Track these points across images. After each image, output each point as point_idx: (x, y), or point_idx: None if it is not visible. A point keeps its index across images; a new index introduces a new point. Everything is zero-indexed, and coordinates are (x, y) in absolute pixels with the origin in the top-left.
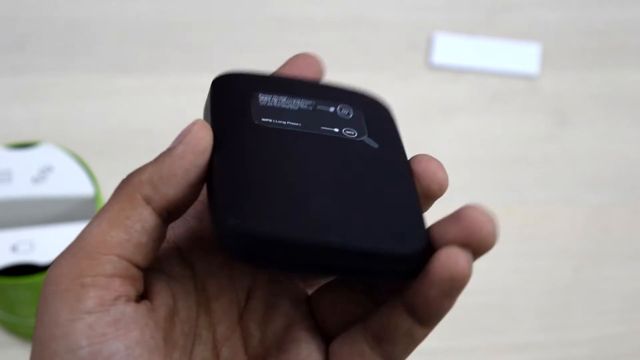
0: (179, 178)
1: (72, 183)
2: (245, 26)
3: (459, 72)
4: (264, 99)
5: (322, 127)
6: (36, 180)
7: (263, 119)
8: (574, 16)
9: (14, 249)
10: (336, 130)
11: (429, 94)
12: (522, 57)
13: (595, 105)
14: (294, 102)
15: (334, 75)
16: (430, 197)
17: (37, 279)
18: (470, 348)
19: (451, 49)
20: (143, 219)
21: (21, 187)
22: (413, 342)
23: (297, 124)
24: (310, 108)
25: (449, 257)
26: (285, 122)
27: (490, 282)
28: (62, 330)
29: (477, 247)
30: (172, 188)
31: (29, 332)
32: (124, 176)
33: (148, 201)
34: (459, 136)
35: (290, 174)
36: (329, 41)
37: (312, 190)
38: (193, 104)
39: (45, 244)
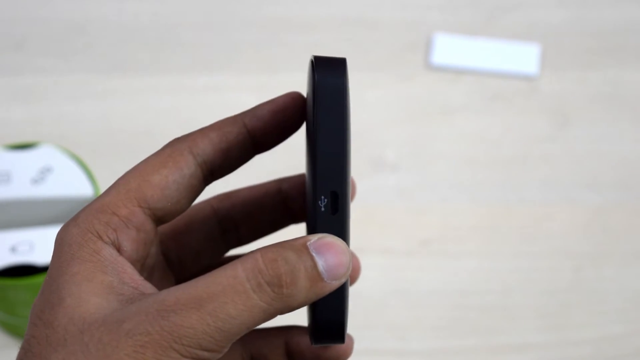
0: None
1: (72, 184)
2: (245, 26)
3: (459, 72)
4: None
5: None
6: (35, 181)
7: None
8: (573, 16)
9: (14, 249)
10: None
11: (429, 94)
12: (522, 57)
13: (595, 106)
14: None
15: None
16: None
17: (37, 279)
18: (470, 348)
19: (451, 49)
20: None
21: (20, 188)
22: None
23: None
24: None
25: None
26: None
27: (490, 282)
28: None
29: None
30: None
31: None
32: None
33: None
34: (459, 137)
35: None
36: (328, 41)
37: None
38: (192, 105)
39: (44, 245)
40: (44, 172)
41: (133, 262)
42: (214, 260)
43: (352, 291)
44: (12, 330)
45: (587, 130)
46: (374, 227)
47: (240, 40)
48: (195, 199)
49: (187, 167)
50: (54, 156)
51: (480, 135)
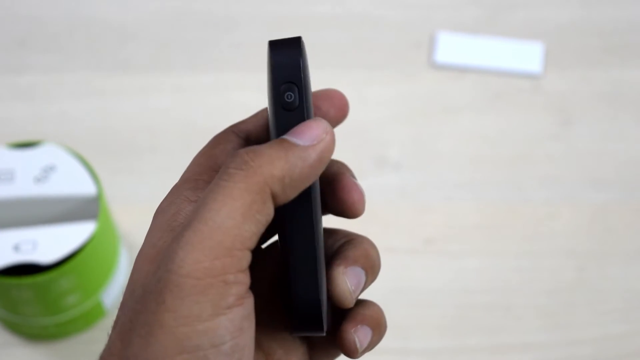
0: (305, 184)
1: (75, 182)
2: (248, 25)
3: (462, 71)
4: None
5: None
6: (39, 179)
7: None
8: (577, 15)
9: (17, 248)
10: None
11: (432, 93)
12: (526, 56)
13: (599, 104)
14: None
15: (336, 74)
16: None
17: (40, 278)
18: (472, 348)
19: (454, 47)
20: (268, 215)
21: (24, 187)
22: None
23: None
24: None
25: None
26: None
27: (493, 281)
28: (205, 326)
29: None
30: (296, 191)
31: (31, 332)
32: (126, 176)
33: (274, 198)
34: (462, 135)
35: None
36: (331, 40)
37: None
38: (195, 103)
39: (47, 244)
40: (47, 171)
41: None
42: None
43: None
44: (15, 329)
45: (591, 129)
46: (376, 225)
47: (242, 38)
48: None
49: (235, 141)
50: (57, 155)
51: (484, 133)
